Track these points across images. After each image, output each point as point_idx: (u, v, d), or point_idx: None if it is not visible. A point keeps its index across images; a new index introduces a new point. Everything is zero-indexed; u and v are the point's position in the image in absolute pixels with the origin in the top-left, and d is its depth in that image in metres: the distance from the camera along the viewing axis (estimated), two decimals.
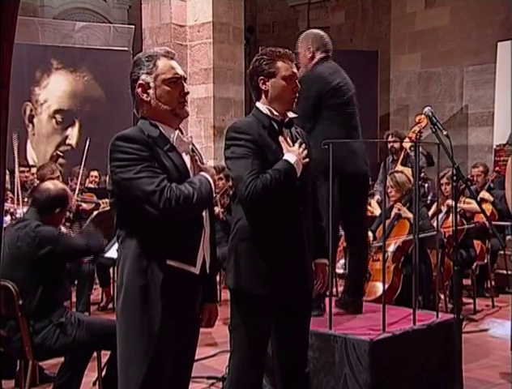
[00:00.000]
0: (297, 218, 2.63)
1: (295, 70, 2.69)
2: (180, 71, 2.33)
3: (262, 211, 2.57)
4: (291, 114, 2.71)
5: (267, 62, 2.65)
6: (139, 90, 2.30)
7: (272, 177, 2.51)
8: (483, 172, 7.22)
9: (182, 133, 2.37)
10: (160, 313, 2.21)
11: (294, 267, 2.62)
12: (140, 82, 2.29)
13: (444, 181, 5.96)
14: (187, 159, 2.34)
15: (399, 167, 6.35)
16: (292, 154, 2.58)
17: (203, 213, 2.32)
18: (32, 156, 8.70)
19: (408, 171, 5.89)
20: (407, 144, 6.37)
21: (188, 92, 2.35)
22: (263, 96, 2.68)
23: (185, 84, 2.33)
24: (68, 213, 4.86)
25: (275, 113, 2.66)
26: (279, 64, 2.64)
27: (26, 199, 5.20)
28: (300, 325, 2.74)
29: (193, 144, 2.44)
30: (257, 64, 2.68)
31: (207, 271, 2.36)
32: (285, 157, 2.58)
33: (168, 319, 2.23)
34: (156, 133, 2.28)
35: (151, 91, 2.29)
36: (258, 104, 2.71)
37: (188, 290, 2.30)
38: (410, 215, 4.94)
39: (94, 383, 3.79)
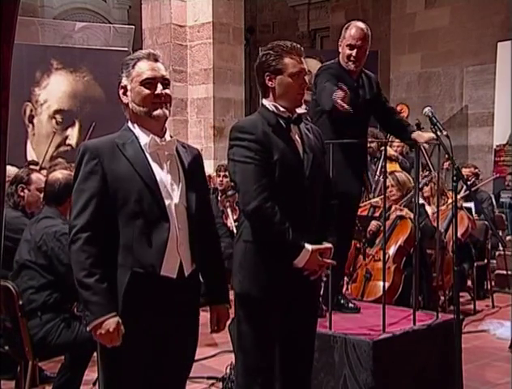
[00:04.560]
0: (304, 220, 2.54)
1: (303, 65, 2.56)
2: (157, 73, 2.30)
3: None
4: (299, 110, 2.61)
5: (275, 58, 2.53)
6: (120, 92, 2.33)
7: (280, 232, 2.44)
8: (473, 173, 7.23)
9: (162, 137, 2.33)
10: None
11: (300, 271, 2.52)
12: (121, 84, 2.33)
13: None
14: (167, 163, 2.31)
15: (392, 167, 6.35)
16: (308, 252, 2.47)
17: (169, 213, 2.26)
18: (32, 157, 8.68)
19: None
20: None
21: (164, 95, 2.29)
22: (270, 93, 2.58)
23: (162, 86, 2.29)
24: None
25: (282, 109, 2.56)
26: (287, 60, 2.52)
27: None
28: (305, 333, 2.70)
29: (185, 147, 2.43)
30: (264, 59, 2.56)
31: (185, 274, 2.30)
32: (304, 248, 2.48)
33: (137, 328, 2.21)
34: (129, 138, 2.29)
35: (128, 93, 2.31)
36: (264, 101, 2.61)
37: (164, 297, 2.26)
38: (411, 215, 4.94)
39: (94, 383, 3.79)
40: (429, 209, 5.74)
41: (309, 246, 2.48)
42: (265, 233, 2.50)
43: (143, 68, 2.29)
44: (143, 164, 2.26)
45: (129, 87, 2.31)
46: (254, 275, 2.53)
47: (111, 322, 2.15)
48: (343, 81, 3.44)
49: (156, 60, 2.33)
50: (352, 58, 3.50)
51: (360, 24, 3.55)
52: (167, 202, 2.27)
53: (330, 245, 2.57)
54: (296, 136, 2.60)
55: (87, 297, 2.15)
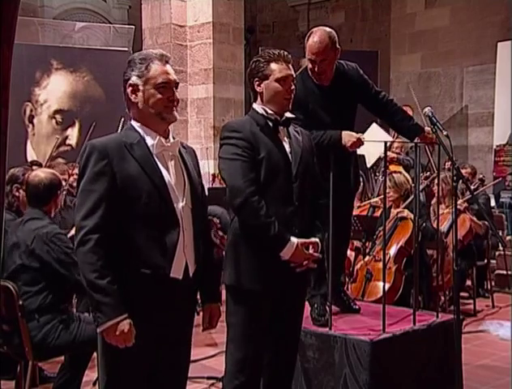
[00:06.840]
0: (291, 215, 2.64)
1: (290, 71, 2.69)
2: (171, 77, 2.31)
3: None
4: (288, 114, 2.74)
5: (262, 64, 2.69)
6: (129, 91, 2.31)
7: (266, 225, 2.55)
8: (470, 173, 7.22)
9: (167, 137, 2.34)
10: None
11: (288, 263, 2.62)
12: (130, 82, 2.30)
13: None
14: (171, 165, 2.32)
15: (394, 167, 6.35)
16: (293, 245, 2.58)
17: (179, 215, 2.27)
18: (32, 157, 8.67)
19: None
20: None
21: (177, 99, 2.32)
22: (259, 98, 2.73)
23: (175, 90, 2.31)
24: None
25: (270, 112, 2.70)
26: (273, 66, 2.67)
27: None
28: (293, 323, 2.79)
29: (184, 146, 2.44)
30: (253, 66, 2.73)
31: (190, 274, 2.31)
32: (290, 241, 2.58)
33: (142, 329, 2.21)
34: (135, 139, 2.29)
35: (139, 94, 2.30)
36: (254, 104, 2.76)
37: (169, 297, 2.27)
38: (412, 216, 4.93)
39: (94, 383, 3.80)
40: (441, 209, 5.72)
41: (294, 239, 2.59)
42: (252, 226, 2.60)
43: (158, 70, 2.29)
44: (152, 165, 2.27)
45: (141, 88, 2.29)
46: (244, 266, 2.63)
47: (125, 323, 2.15)
48: (309, 99, 3.26)
49: (167, 62, 2.34)
50: (314, 74, 3.28)
51: (319, 35, 3.22)
52: (175, 204, 2.28)
53: (316, 239, 2.69)
54: (285, 137, 2.72)
55: (100, 298, 2.14)
